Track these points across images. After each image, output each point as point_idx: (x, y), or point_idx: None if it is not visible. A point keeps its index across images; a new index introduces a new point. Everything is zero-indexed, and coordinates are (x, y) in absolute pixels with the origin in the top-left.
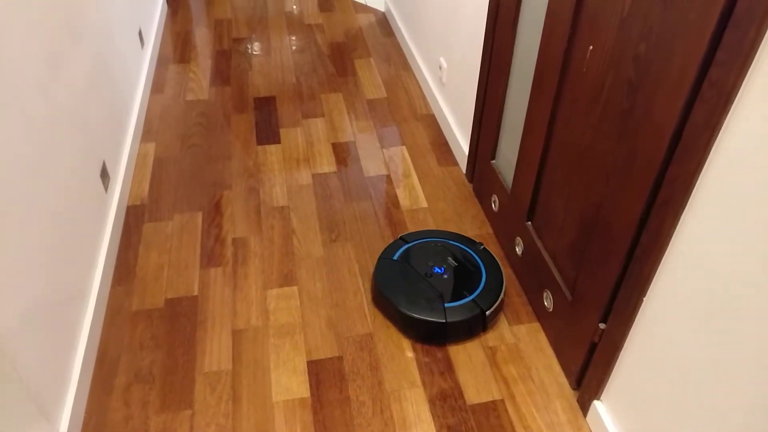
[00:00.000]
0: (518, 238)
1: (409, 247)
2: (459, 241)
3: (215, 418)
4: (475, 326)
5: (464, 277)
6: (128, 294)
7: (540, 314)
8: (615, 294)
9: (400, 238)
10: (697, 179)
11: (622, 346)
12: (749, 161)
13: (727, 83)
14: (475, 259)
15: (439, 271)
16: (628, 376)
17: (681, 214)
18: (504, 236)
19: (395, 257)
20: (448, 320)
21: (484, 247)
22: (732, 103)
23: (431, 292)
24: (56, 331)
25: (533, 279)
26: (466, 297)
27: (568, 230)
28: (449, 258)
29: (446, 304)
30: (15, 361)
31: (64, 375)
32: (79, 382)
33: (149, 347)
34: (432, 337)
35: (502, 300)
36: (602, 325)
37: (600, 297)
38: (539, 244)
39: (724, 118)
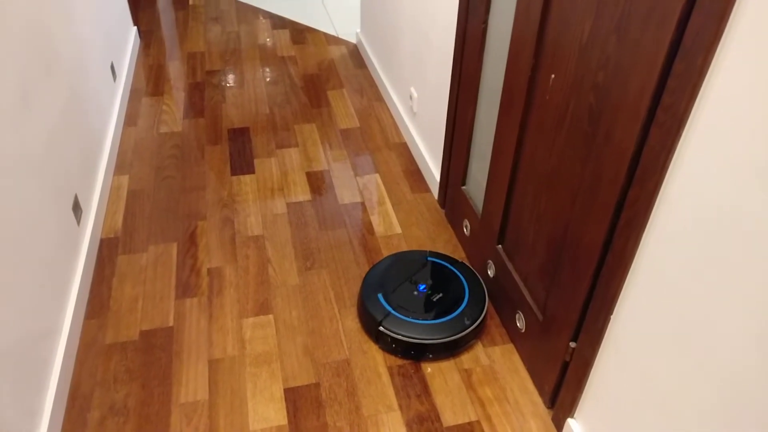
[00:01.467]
0: (490, 261)
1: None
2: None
3: None
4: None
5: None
6: (102, 327)
7: (513, 335)
8: (584, 313)
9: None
10: (656, 199)
11: (593, 364)
12: (702, 181)
13: (679, 108)
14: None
15: (423, 288)
16: (600, 394)
17: (642, 234)
18: (476, 260)
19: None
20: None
21: (463, 262)
22: (684, 126)
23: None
24: (27, 366)
25: (505, 301)
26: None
27: (538, 252)
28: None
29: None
30: None
31: (35, 410)
32: (51, 417)
33: (124, 380)
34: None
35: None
36: (573, 344)
37: (570, 316)
38: (510, 266)
39: (678, 141)
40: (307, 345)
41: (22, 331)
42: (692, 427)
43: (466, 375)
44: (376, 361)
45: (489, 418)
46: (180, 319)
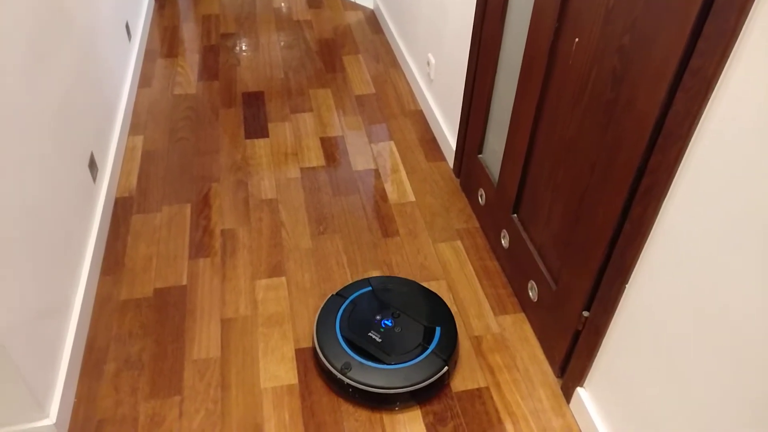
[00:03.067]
0: (504, 230)
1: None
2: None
3: (204, 403)
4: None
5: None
6: (117, 284)
7: (525, 305)
8: (598, 282)
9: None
10: (678, 167)
11: (605, 333)
12: (728, 148)
13: (707, 72)
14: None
15: (388, 323)
16: (611, 363)
17: (662, 202)
18: (490, 229)
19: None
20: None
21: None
22: (712, 91)
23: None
24: (45, 319)
25: (518, 270)
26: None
27: (554, 221)
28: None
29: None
30: (7, 349)
31: (53, 362)
32: (69, 369)
33: (138, 335)
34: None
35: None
36: (586, 314)
37: (583, 286)
38: (525, 236)
39: (705, 107)
40: (318, 307)
41: (40, 285)
42: (704, 398)
43: (477, 342)
44: None
45: (498, 385)
46: (193, 278)
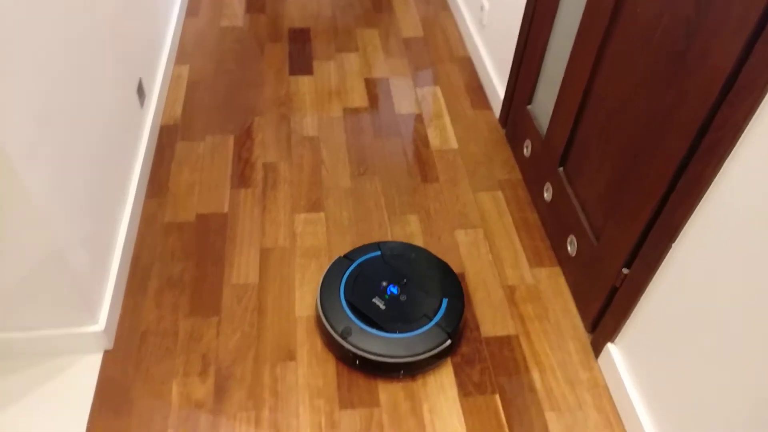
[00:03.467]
0: (548, 183)
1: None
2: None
3: (241, 326)
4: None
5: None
6: (161, 206)
7: (562, 259)
8: (642, 240)
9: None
10: (747, 124)
11: (644, 291)
12: None
13: None
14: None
15: (394, 291)
16: (646, 322)
17: (725, 161)
18: (533, 182)
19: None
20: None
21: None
22: None
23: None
24: (97, 234)
25: (559, 224)
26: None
27: (602, 176)
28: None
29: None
30: (66, 256)
31: (103, 274)
32: (116, 282)
33: (180, 257)
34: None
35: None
36: (625, 271)
37: (627, 242)
38: (569, 190)
39: None
40: (355, 244)
41: (93, 201)
42: (744, 371)
43: (510, 291)
44: None
45: (528, 334)
46: (234, 207)
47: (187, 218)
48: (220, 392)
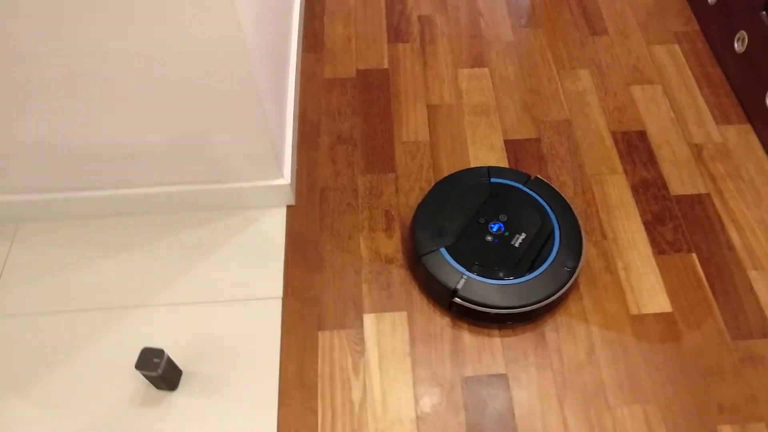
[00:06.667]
0: (743, 32)
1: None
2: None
3: (418, 182)
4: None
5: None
6: (319, 62)
7: (753, 115)
8: None
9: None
10: None
11: None
12: None
13: None
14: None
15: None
16: None
17: None
18: (720, 32)
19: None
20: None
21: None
22: None
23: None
24: (276, 84)
25: (752, 79)
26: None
27: None
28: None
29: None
30: (264, 105)
31: (283, 129)
32: (293, 138)
33: (346, 114)
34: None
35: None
36: None
37: None
38: None
39: None
40: (525, 101)
41: (267, 53)
42: None
43: (697, 150)
44: (599, 125)
45: (720, 193)
46: (394, 62)
47: (347, 74)
48: (407, 247)
